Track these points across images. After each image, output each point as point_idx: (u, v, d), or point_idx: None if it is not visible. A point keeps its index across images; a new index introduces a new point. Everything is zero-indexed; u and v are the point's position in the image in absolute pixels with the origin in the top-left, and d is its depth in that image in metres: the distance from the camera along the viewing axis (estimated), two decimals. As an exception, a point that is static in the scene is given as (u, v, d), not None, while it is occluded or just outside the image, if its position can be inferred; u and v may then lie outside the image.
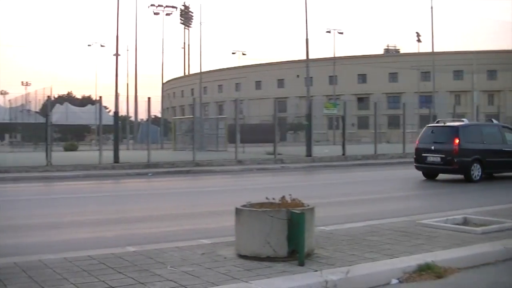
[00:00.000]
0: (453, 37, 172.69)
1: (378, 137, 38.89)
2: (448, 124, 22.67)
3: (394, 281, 7.13)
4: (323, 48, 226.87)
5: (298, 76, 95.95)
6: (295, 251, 7.41)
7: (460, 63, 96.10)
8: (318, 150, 36.51)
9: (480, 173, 20.80)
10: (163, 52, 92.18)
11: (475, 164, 20.76)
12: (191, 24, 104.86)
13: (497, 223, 10.26)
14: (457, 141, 20.88)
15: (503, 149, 21.91)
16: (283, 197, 8.06)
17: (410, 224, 10.52)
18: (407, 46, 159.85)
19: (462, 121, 23.56)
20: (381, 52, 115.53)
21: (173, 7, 76.71)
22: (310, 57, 41.74)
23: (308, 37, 39.88)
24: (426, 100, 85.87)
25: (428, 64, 74.93)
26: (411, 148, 38.70)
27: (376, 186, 20.60)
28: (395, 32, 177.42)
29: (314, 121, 36.50)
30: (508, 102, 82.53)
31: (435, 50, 65.75)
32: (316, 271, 6.99)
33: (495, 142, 22.06)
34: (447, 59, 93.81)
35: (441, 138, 21.72)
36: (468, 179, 20.62)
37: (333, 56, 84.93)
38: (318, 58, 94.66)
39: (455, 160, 20.67)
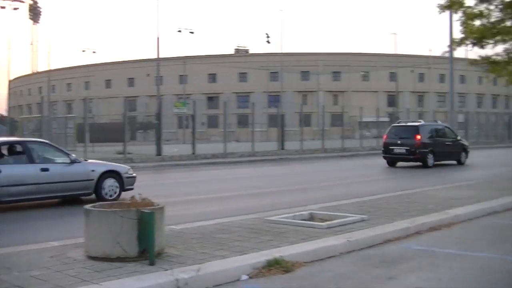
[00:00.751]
0: (302, 38, 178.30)
1: (228, 136, 39.41)
2: (409, 124, 29.64)
3: (244, 277, 7.26)
4: (174, 47, 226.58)
5: (148, 75, 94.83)
6: (146, 250, 7.36)
7: (307, 64, 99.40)
8: (168, 149, 36.39)
9: (433, 161, 27.23)
10: (9, 48, 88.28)
11: (429, 154, 27.07)
12: (39, 20, 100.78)
13: (341, 217, 10.73)
14: (418, 137, 27.34)
15: (446, 143, 28.82)
16: (133, 197, 7.99)
17: (259, 221, 10.74)
18: (257, 46, 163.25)
19: (420, 121, 30.65)
20: (231, 52, 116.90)
21: (20, 1, 73.29)
22: (161, 56, 41.57)
23: (159, 36, 39.75)
24: (274, 99, 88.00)
25: (277, 65, 76.95)
26: (260, 147, 39.75)
27: (226, 184, 20.89)
28: (245, 32, 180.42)
29: (164, 120, 36.38)
30: (352, 102, 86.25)
31: (283, 51, 67.52)
32: (167, 270, 6.99)
33: (442, 137, 29.15)
34: (295, 60, 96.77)
35: (405, 135, 27.59)
36: (425, 166, 26.86)
37: (183, 55, 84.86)
38: (169, 57, 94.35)
39: (417, 151, 26.99)
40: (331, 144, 46.35)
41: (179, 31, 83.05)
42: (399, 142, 27.51)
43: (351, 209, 12.16)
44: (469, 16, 19.16)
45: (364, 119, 55.64)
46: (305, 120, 56.40)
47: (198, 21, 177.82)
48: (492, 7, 19.20)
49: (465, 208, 12.40)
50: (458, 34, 20.02)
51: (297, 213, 11.20)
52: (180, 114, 66.30)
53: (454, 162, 28.92)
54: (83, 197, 14.58)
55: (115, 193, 14.87)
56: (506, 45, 19.35)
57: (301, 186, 19.57)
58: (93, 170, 14.77)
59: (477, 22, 19.32)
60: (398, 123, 30.54)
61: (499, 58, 19.69)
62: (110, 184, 14.87)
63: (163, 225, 8.01)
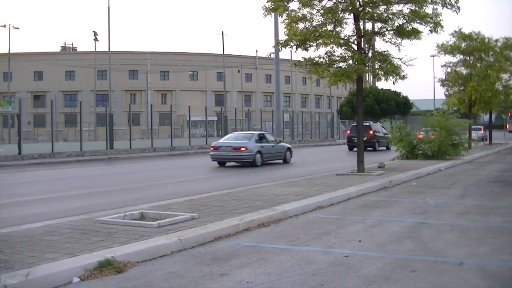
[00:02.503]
0: (130, 37, 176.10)
1: (56, 136, 38.21)
2: (365, 123, 40.45)
3: (75, 279, 7.08)
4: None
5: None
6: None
7: (136, 63, 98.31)
8: (-8, 149, 34.57)
9: (378, 146, 44.18)
10: None
11: (377, 143, 44.03)
12: None
13: (172, 216, 10.76)
14: (371, 131, 43.22)
15: (384, 135, 44.63)
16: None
17: (89, 222, 10.52)
18: (85, 44, 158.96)
19: (370, 122, 46.80)
20: (58, 49, 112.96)
21: None
22: (-18, 51, 39.25)
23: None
24: (103, 98, 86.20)
25: (105, 63, 75.37)
26: (88, 146, 38.89)
27: (55, 185, 20.23)
28: (73, 30, 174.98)
29: (-13, 119, 34.51)
30: (180, 102, 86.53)
31: (112, 50, 66.26)
32: (-7, 276, 6.66)
33: (379, 131, 45.41)
34: (123, 59, 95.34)
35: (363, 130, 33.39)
36: (375, 150, 42.81)
37: (7, 51, 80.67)
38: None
39: (370, 141, 42.17)
40: (160, 143, 46.40)
41: (3, 26, 78.96)
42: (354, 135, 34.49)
43: (181, 207, 12.23)
44: (293, 19, 19.89)
45: (193, 118, 56.00)
46: (134, 119, 55.98)
47: (23, 16, 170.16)
48: (314, 11, 20.09)
49: (292, 204, 12.86)
50: (283, 36, 20.69)
51: (127, 213, 11.07)
52: (4, 113, 63.11)
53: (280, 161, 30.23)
54: None
55: None
56: (328, 48, 20.30)
57: (130, 186, 19.43)
58: None
59: (301, 25, 20.09)
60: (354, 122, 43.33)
61: (321, 60, 20.61)
62: None
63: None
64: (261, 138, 29.18)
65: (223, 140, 29.95)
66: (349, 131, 47.78)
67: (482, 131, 67.56)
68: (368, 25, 31.50)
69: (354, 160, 22.13)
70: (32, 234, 9.31)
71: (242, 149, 27.50)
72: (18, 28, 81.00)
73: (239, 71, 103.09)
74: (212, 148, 28.85)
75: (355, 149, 30.39)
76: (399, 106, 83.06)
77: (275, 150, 29.81)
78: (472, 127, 50.32)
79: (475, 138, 55.56)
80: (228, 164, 28.40)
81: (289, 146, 31.85)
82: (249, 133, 30.98)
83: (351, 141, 42.88)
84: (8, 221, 10.77)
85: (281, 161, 30.14)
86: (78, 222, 10.52)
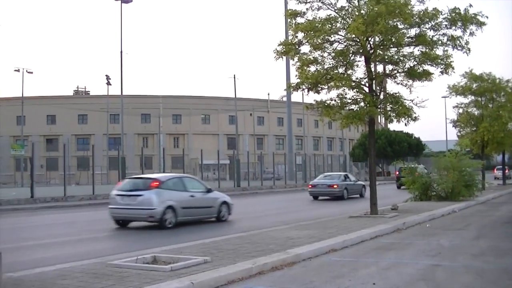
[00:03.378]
0: (143, 81, 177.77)
1: (68, 179, 38.26)
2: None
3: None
4: (11, 87, 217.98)
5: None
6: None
7: (148, 107, 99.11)
8: (6, 193, 34.68)
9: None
10: None
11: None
12: None
13: (184, 259, 10.70)
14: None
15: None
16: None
17: (101, 265, 10.49)
18: (97, 88, 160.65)
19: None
20: (71, 93, 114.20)
21: None
22: (-2, 96, 39.76)
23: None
24: (115, 142, 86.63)
25: (117, 107, 75.96)
26: (100, 190, 38.89)
27: (67, 228, 20.21)
28: (86, 74, 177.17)
29: (0, 162, 34.69)
30: (193, 145, 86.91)
31: (124, 93, 66.84)
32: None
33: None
34: (136, 102, 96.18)
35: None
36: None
37: (21, 95, 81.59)
38: (5, 98, 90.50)
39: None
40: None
41: (17, 70, 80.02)
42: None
43: (194, 251, 12.17)
44: (304, 62, 19.99)
45: (205, 162, 56.09)
46: (146, 162, 56.03)
47: (37, 60, 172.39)
48: (325, 54, 20.20)
49: (305, 247, 12.76)
50: (295, 79, 20.66)
51: (140, 257, 11.03)
52: (17, 156, 63.49)
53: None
54: None
55: None
56: (339, 91, 20.34)
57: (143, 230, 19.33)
58: None
59: (312, 68, 20.19)
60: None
61: (333, 102, 20.65)
62: None
63: (0, 273, 7.60)
64: (345, 177, 37.21)
65: (317, 180, 37.89)
66: (397, 172, 51.17)
67: (508, 171, 67.09)
68: (379, 67, 31.79)
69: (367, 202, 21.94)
70: (44, 278, 9.29)
71: (335, 186, 35.18)
72: (31, 73, 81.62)
73: (251, 114, 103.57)
74: (310, 186, 37.26)
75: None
76: (411, 147, 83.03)
77: (356, 187, 37.30)
78: (497, 167, 52.61)
79: (499, 177, 60.34)
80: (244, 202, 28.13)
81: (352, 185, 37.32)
82: (336, 174, 39.20)
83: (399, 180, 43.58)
84: (20, 264, 10.74)
85: (358, 195, 37.11)
86: (90, 266, 10.49)
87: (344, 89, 20.30)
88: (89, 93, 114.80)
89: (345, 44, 20.18)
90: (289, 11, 20.32)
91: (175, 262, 10.55)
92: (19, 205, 31.70)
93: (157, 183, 19.58)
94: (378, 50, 20.13)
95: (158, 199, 18.93)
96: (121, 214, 19.65)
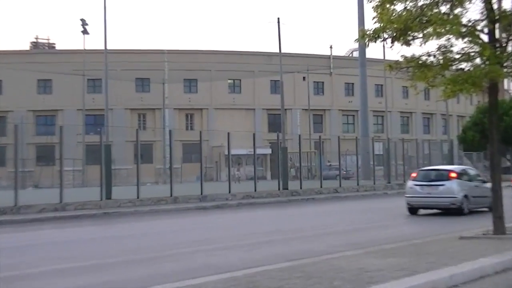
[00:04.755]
0: (139, 31, 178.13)
1: (22, 179, 38.53)
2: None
3: None
4: None
5: None
6: None
7: (145, 67, 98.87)
8: None
9: None
10: None
11: None
12: None
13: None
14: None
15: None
16: None
17: None
18: (67, 40, 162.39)
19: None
20: (27, 47, 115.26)
21: None
22: None
23: None
24: (95, 121, 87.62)
25: (99, 67, 76.32)
26: (72, 195, 38.97)
27: (19, 257, 20.48)
28: (49, 18, 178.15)
29: None
30: (212, 125, 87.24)
31: (109, 47, 67.18)
32: None
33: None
34: (127, 61, 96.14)
35: None
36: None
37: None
38: None
39: None
40: (183, 189, 46.51)
41: None
42: None
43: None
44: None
45: (234, 152, 55.11)
46: (144, 153, 56.44)
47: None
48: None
49: (390, 284, 12.65)
50: (371, 24, 20.25)
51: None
52: None
53: None
54: None
55: None
56: (441, 41, 20.02)
57: (141, 256, 19.58)
58: None
59: (399, 6, 19.82)
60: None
61: (431, 59, 20.38)
62: None
63: None
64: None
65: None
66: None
67: None
68: (506, 3, 31.36)
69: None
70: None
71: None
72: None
73: (304, 78, 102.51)
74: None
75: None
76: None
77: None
78: None
79: None
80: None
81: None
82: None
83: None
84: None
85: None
86: None
87: (449, 38, 20.08)
88: (54, 47, 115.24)
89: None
90: None
91: None
92: None
93: (456, 175, 32.97)
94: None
95: (458, 188, 31.93)
96: (420, 203, 32.78)
